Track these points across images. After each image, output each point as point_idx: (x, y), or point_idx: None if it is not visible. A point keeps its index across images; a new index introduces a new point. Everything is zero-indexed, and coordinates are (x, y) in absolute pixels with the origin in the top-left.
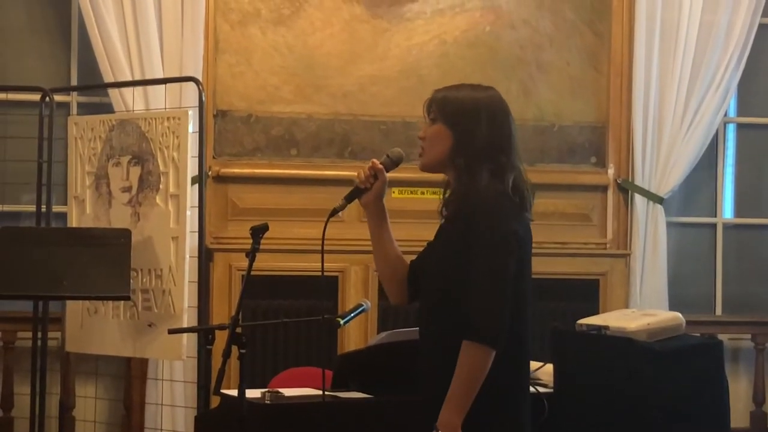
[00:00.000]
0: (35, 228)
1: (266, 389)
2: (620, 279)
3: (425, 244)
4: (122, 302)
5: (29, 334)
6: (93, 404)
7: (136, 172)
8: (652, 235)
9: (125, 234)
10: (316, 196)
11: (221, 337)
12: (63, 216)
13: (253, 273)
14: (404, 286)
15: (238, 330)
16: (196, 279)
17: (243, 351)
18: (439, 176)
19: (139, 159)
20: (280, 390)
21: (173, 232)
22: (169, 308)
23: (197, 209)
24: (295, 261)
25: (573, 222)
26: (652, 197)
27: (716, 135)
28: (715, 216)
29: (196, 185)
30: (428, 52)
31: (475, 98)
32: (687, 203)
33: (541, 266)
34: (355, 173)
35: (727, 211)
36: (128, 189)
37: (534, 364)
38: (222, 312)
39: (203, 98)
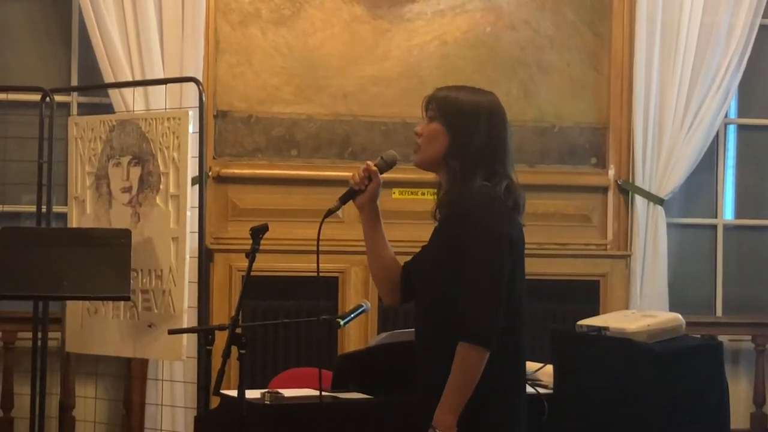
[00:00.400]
0: (35, 228)
1: (266, 390)
2: (620, 280)
3: (424, 245)
4: (122, 302)
5: (29, 335)
6: (93, 404)
7: (136, 172)
8: (652, 236)
9: (125, 234)
10: (317, 196)
11: (221, 338)
12: (63, 216)
13: (253, 273)
14: (397, 287)
15: (238, 330)
16: (196, 279)
17: (243, 351)
18: None
19: (140, 159)
20: (280, 390)
21: (173, 233)
22: (169, 309)
23: (197, 210)
24: (295, 262)
25: (573, 223)
26: (653, 198)
27: (717, 136)
28: (716, 217)
29: (197, 186)
30: (429, 53)
31: (475, 102)
32: (687, 204)
33: (541, 267)
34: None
35: (727, 212)
36: (128, 189)
37: (534, 365)
38: (222, 312)
39: (203, 99)
